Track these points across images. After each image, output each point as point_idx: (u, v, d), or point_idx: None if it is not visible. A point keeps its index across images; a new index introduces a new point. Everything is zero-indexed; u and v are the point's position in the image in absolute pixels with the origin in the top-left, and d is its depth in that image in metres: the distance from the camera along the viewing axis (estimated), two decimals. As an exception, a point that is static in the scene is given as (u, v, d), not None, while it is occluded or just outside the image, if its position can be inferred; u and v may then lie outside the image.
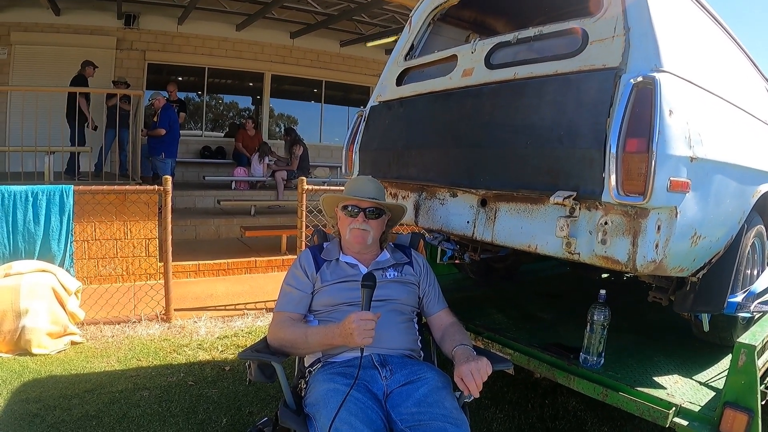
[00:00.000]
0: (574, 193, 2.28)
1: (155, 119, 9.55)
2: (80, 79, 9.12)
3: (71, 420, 3.38)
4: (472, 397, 2.19)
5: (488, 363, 2.17)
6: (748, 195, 2.74)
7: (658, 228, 2.13)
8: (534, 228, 2.56)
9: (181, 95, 12.09)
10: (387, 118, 3.58)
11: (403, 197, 3.43)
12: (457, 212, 3.04)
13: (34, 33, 10.19)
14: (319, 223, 5.50)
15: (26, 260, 4.94)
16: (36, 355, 4.37)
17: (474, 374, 2.12)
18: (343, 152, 3.85)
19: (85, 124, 8.70)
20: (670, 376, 2.62)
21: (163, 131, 9.38)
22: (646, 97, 2.10)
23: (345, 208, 2.66)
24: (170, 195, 5.50)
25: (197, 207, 10.64)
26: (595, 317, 2.61)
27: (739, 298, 2.73)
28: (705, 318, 2.78)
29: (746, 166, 2.67)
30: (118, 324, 5.29)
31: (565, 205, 2.31)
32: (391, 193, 3.50)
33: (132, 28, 11.01)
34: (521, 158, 2.59)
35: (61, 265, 5.21)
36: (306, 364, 2.52)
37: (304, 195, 5.92)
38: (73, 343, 4.69)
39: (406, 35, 3.69)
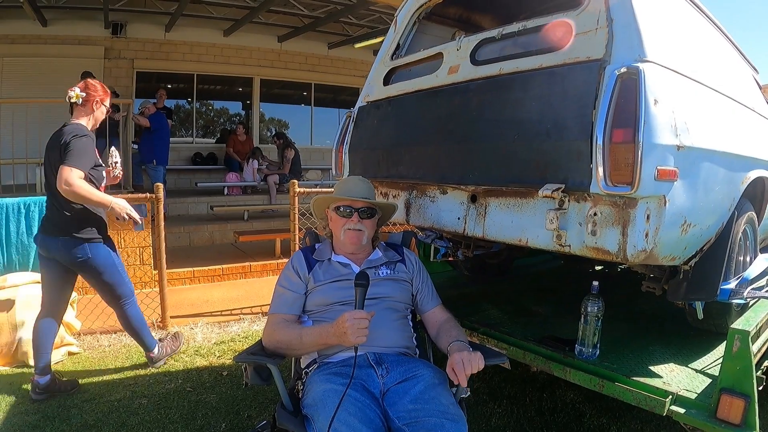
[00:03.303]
0: (563, 186, 2.29)
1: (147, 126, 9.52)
2: None
3: (70, 430, 3.37)
4: (469, 393, 2.20)
5: (481, 357, 2.18)
6: (737, 182, 2.75)
7: (648, 217, 2.13)
8: (524, 222, 2.57)
9: (171, 102, 12.09)
10: (375, 118, 3.58)
11: (394, 196, 3.43)
12: (448, 209, 3.04)
13: (22, 45, 10.14)
14: (312, 225, 5.50)
15: (20, 272, 4.92)
16: (33, 366, 4.35)
17: (465, 364, 2.12)
18: (333, 153, 3.85)
19: None
20: (665, 365, 2.63)
21: (146, 121, 9.30)
22: (630, 88, 2.10)
23: (338, 208, 2.66)
24: (162, 202, 5.48)
25: (190, 214, 10.61)
26: (589, 309, 2.61)
27: (732, 284, 2.74)
28: (699, 306, 2.79)
29: (735, 153, 2.68)
30: (115, 333, 5.26)
31: (554, 198, 2.32)
32: (381, 193, 3.50)
33: (119, 37, 10.97)
34: (509, 153, 2.60)
35: (56, 276, 5.20)
36: (302, 366, 2.52)
37: (297, 198, 5.91)
38: (70, 353, 4.68)
39: (392, 35, 3.70)
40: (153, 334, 4.44)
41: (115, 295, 4.09)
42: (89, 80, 3.93)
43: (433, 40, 3.58)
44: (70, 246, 3.77)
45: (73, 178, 3.50)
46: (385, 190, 3.50)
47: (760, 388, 2.22)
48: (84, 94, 3.81)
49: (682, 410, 2.25)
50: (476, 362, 2.14)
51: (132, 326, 4.23)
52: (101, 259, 3.90)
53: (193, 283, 7.20)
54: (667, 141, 2.12)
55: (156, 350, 4.43)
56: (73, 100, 3.80)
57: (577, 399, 3.74)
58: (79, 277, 4.01)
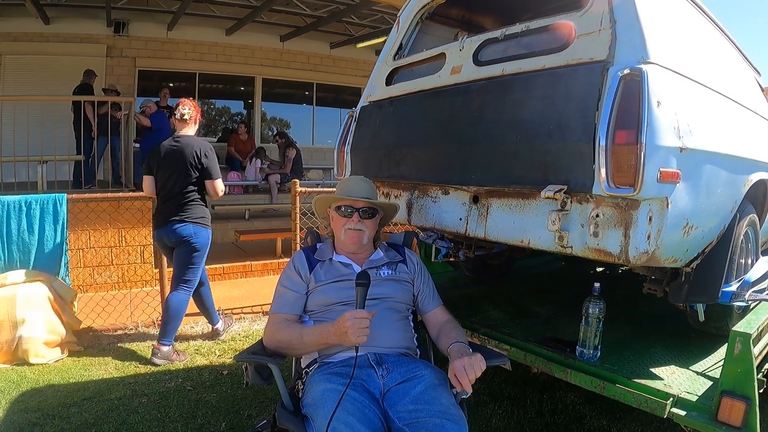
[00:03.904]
0: (565, 187, 2.28)
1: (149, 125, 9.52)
2: (87, 88, 9.08)
3: (70, 428, 3.37)
4: (468, 393, 2.19)
5: (482, 359, 2.17)
6: (739, 184, 2.74)
7: (650, 219, 2.13)
8: (526, 223, 2.56)
9: (173, 101, 12.06)
10: (377, 118, 3.58)
11: (396, 196, 3.43)
12: (450, 209, 3.04)
13: (24, 42, 10.13)
14: (314, 225, 5.49)
15: (21, 270, 4.92)
16: (34, 364, 4.36)
17: (467, 369, 2.11)
18: (335, 153, 3.84)
19: (90, 133, 8.62)
20: (666, 367, 2.62)
21: (148, 121, 9.30)
22: (633, 89, 2.10)
23: (339, 208, 2.65)
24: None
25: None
26: (590, 310, 2.61)
27: (733, 287, 2.73)
28: (700, 308, 2.78)
29: (737, 156, 2.67)
30: (115, 331, 5.28)
31: (556, 199, 2.31)
32: (383, 193, 3.49)
33: (122, 35, 10.95)
34: (511, 154, 2.59)
35: (57, 274, 5.19)
36: (303, 365, 2.52)
37: (298, 197, 5.91)
38: (70, 351, 4.68)
39: (395, 35, 3.69)
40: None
41: (186, 277, 4.73)
42: (188, 100, 4.81)
43: (436, 41, 3.57)
44: (179, 227, 4.60)
45: (223, 187, 4.87)
46: (387, 190, 3.50)
47: (761, 391, 2.21)
48: (192, 112, 4.72)
49: (683, 412, 2.25)
50: (478, 365, 2.13)
51: (172, 311, 4.59)
52: (201, 239, 4.78)
53: (194, 282, 7.17)
54: (670, 143, 2.12)
55: (167, 348, 4.56)
56: (185, 117, 4.68)
57: (578, 400, 3.74)
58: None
